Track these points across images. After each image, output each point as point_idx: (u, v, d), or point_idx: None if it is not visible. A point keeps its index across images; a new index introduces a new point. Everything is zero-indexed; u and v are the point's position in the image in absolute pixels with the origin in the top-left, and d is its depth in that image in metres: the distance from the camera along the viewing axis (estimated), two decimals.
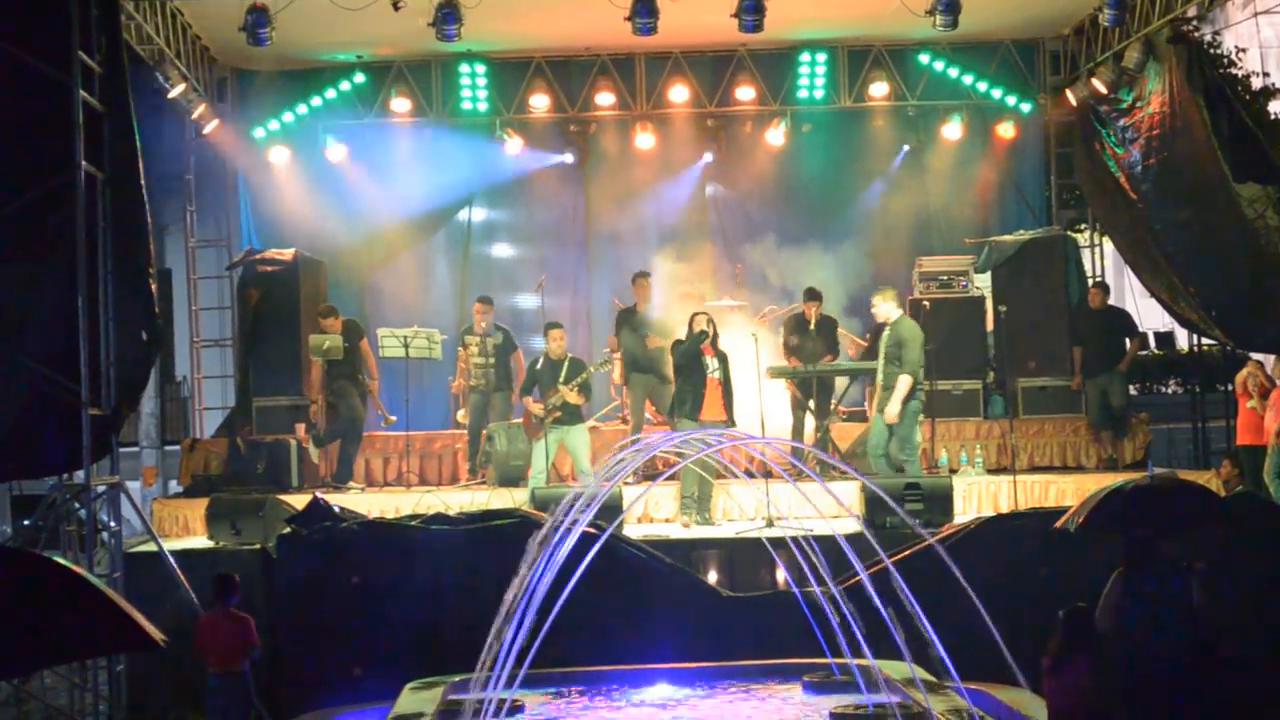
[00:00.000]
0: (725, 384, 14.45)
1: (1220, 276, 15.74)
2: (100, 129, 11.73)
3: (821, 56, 18.99)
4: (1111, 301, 17.74)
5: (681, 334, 14.64)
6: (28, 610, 6.32)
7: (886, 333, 15.10)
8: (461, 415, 17.31)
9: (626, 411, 17.06)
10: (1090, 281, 18.29)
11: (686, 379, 14.39)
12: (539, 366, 15.37)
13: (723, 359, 14.52)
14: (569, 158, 19.89)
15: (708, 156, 19.88)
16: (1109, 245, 19.77)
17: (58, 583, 6.46)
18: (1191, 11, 15.96)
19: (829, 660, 9.86)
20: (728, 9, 15.78)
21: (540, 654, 8.71)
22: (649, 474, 14.96)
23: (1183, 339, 23.17)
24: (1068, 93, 18.48)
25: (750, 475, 13.80)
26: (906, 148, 19.80)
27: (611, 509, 12.14)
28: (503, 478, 15.82)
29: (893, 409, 14.80)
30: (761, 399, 14.84)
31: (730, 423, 14.29)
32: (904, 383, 14.76)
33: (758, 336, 15.28)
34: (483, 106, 19.11)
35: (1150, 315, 19.27)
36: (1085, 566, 10.35)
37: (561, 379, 15.16)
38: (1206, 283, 15.97)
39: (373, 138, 19.60)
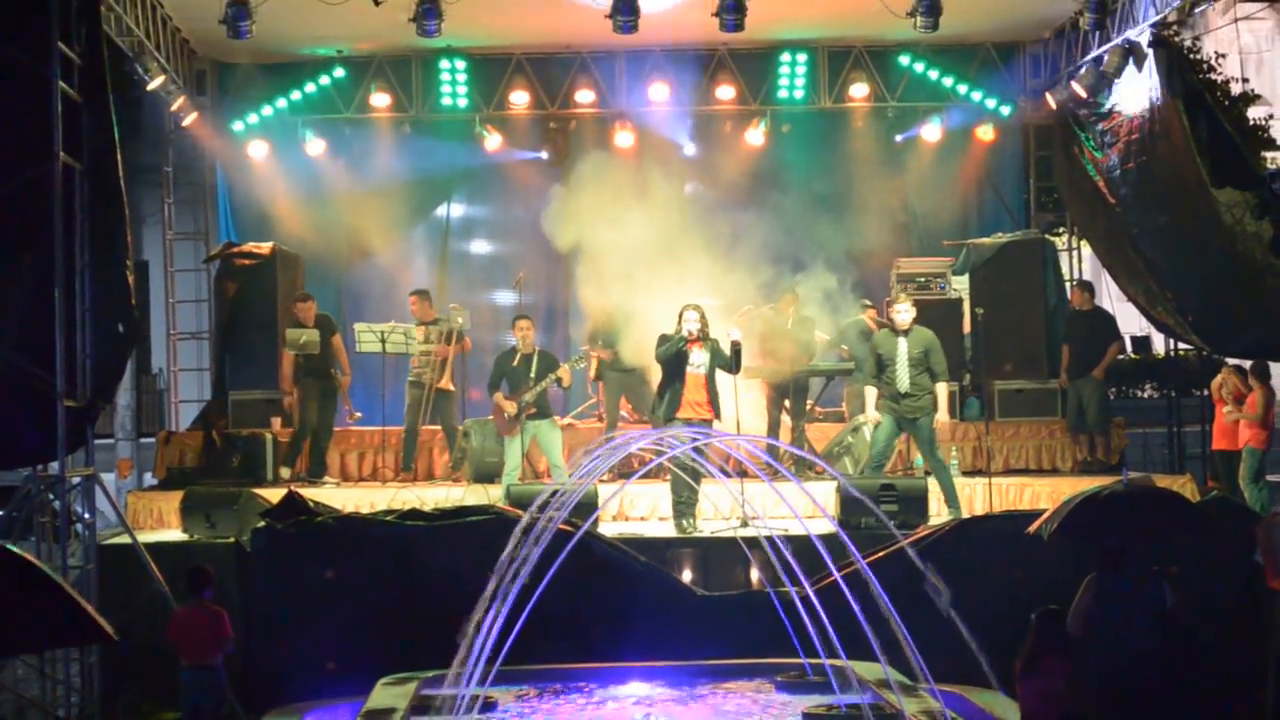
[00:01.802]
0: (710, 377, 13.94)
1: (1197, 282, 15.76)
2: (79, 120, 11.68)
3: (802, 57, 18.98)
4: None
5: (669, 328, 14.35)
6: None
7: (906, 340, 14.50)
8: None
9: (603, 409, 17.03)
10: (1070, 282, 18.30)
11: (665, 378, 14.18)
12: (515, 364, 15.23)
13: (714, 349, 14.04)
14: (547, 155, 19.88)
15: (687, 155, 19.85)
16: (1087, 249, 19.81)
17: (9, 572, 6.38)
18: (1172, 17, 15.97)
19: (802, 660, 9.90)
20: (709, 8, 15.78)
21: (514, 651, 8.73)
22: (624, 472, 14.91)
23: (1159, 343, 23.23)
24: (1047, 96, 18.46)
25: (726, 474, 13.79)
26: (899, 137, 19.80)
27: (586, 507, 12.15)
28: (478, 474, 15.78)
29: (944, 416, 14.69)
30: (737, 398, 14.80)
31: (714, 419, 14.01)
32: (944, 390, 14.58)
33: (735, 336, 15.22)
34: (462, 103, 19.05)
35: (1127, 320, 19.30)
36: (1059, 569, 10.40)
37: (532, 374, 15.05)
38: (1184, 288, 15.99)
39: (352, 133, 19.57)
